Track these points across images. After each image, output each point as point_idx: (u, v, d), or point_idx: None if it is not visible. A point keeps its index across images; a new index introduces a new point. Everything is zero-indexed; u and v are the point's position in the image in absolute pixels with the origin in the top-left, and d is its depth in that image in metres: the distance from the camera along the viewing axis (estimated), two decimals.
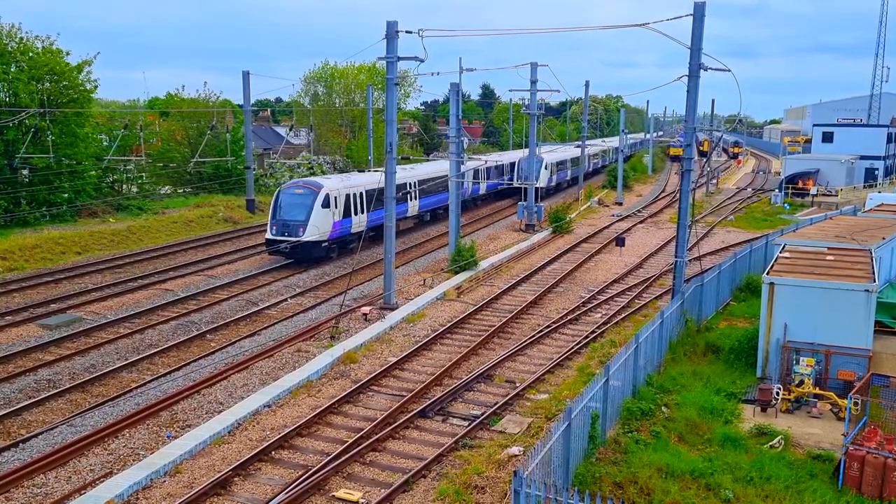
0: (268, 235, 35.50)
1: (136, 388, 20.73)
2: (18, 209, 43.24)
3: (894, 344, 21.00)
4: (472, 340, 24.69)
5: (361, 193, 38.41)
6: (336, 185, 36.71)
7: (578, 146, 70.77)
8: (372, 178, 40.06)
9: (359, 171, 48.01)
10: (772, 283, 20.05)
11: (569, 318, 27.42)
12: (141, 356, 23.06)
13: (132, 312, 27.63)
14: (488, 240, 44.09)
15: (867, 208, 38.35)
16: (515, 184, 54.86)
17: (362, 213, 38.33)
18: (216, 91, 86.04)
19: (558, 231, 46.39)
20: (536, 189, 49.72)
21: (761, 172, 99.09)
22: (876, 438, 14.67)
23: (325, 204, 35.27)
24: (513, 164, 59.21)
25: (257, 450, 16.46)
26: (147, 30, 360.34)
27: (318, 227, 34.90)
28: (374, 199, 38.84)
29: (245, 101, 50.27)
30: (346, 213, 36.98)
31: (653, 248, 41.37)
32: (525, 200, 47.44)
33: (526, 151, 64.07)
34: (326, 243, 35.80)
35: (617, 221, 52.35)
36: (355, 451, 16.51)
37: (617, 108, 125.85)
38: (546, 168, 60.52)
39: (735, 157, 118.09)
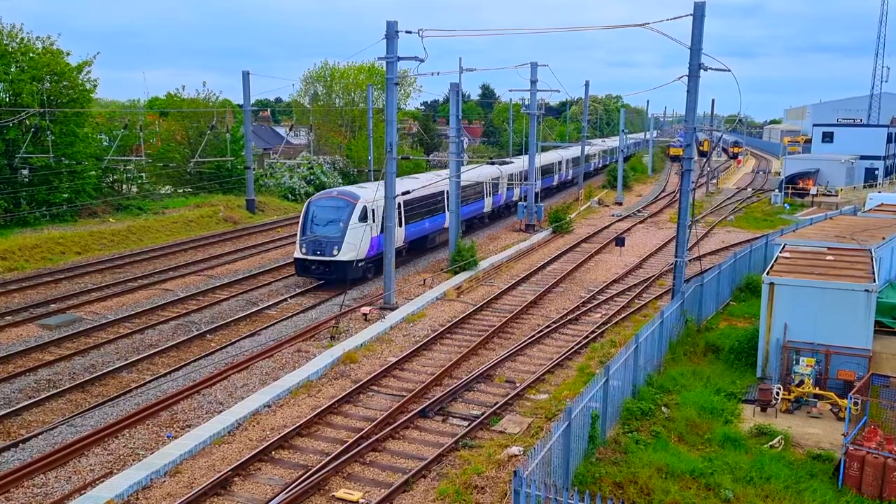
0: (296, 254, 31.39)
1: (136, 388, 20.73)
2: (18, 209, 43.23)
3: (894, 344, 21.01)
4: (472, 340, 24.68)
5: (400, 204, 33.94)
6: (373, 195, 32.10)
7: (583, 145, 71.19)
8: (406, 186, 36.15)
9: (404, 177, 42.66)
10: (772, 283, 20.05)
11: (569, 318, 27.42)
12: (141, 356, 23.06)
13: (132, 312, 27.63)
14: (488, 240, 44.10)
15: (867, 208, 38.37)
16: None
17: (400, 226, 34.12)
18: (216, 91, 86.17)
19: (558, 231, 46.39)
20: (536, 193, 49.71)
21: (761, 172, 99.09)
22: (876, 438, 14.67)
23: (363, 217, 31.25)
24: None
25: (257, 450, 16.46)
26: (147, 30, 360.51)
27: (355, 244, 30.86)
28: (415, 209, 36.19)
29: (245, 100, 50.31)
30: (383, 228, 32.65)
31: (653, 248, 41.37)
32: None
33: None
34: (363, 262, 31.73)
35: (617, 221, 52.35)
36: (355, 451, 16.51)
37: (617, 108, 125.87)
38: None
39: (735, 157, 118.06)
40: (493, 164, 52.23)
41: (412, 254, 37.77)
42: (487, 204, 47.50)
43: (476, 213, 45.96)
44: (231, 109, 73.96)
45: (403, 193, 33.36)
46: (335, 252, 30.56)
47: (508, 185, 51.42)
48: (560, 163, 68.02)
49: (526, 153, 50.90)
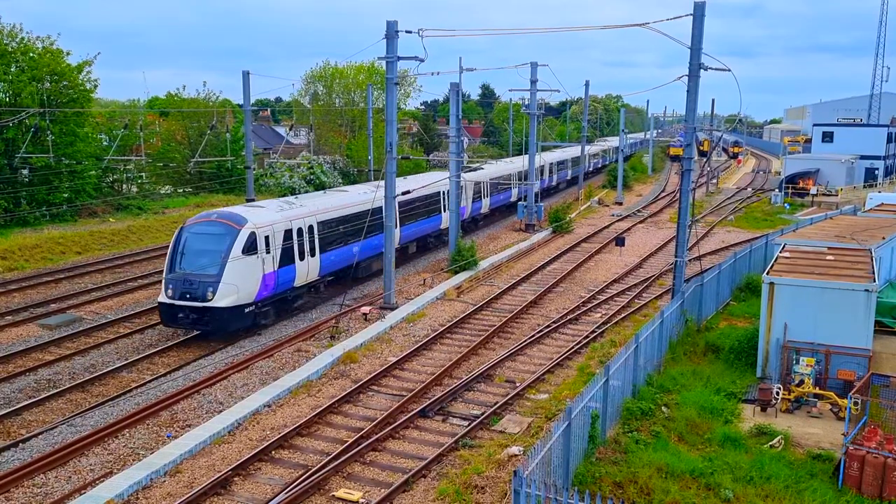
0: (161, 298, 24.24)
1: (136, 388, 20.74)
2: (18, 209, 43.24)
3: (894, 344, 21.01)
4: (472, 340, 24.68)
5: (316, 225, 27.73)
6: (271, 216, 25.64)
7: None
8: (349, 199, 30.91)
9: (336, 189, 36.88)
10: (772, 283, 20.05)
11: (569, 317, 27.41)
12: (141, 356, 23.06)
13: (132, 312, 27.63)
14: (488, 239, 44.10)
15: (867, 208, 38.38)
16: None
17: (316, 254, 27.68)
18: (216, 91, 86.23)
19: (558, 231, 46.39)
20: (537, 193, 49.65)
21: (761, 172, 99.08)
22: (876, 438, 14.67)
23: (251, 247, 24.15)
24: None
25: (257, 450, 16.46)
26: (147, 30, 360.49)
27: (238, 284, 23.76)
28: (348, 227, 29.70)
29: (245, 100, 50.27)
30: (287, 259, 26.00)
31: (653, 248, 41.37)
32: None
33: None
34: (253, 307, 24.70)
35: (617, 221, 52.34)
36: (355, 450, 16.51)
37: (617, 108, 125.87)
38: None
39: (735, 156, 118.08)
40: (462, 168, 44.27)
41: (333, 289, 30.30)
42: (445, 220, 40.22)
43: (428, 231, 39.06)
44: (231, 109, 74.03)
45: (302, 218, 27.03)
46: (210, 295, 23.41)
47: (475, 196, 45.05)
48: (542, 168, 60.07)
49: (526, 153, 50.79)
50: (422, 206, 37.56)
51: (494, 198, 50.03)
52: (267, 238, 24.94)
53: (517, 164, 55.14)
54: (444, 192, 39.26)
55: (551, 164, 64.79)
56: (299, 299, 28.04)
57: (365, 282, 32.86)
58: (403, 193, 31.39)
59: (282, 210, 26.76)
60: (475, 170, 47.74)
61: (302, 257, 26.87)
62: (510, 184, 52.55)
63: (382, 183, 29.67)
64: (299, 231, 26.77)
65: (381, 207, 29.63)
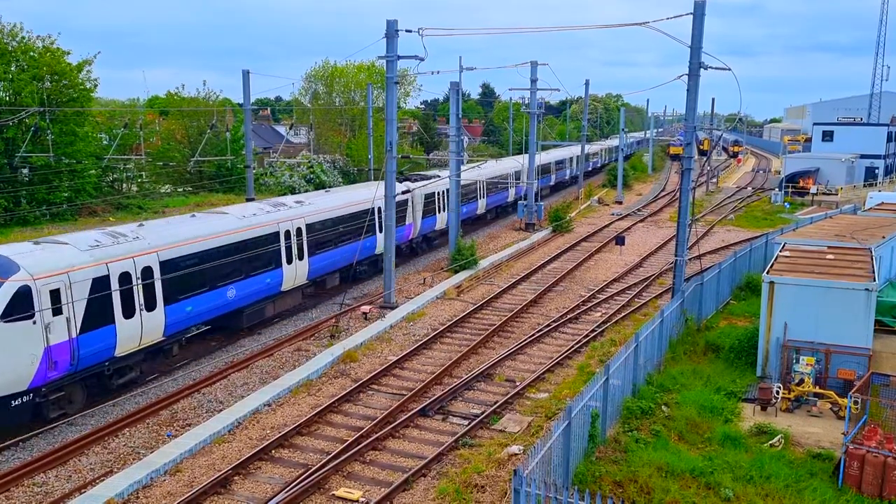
0: None
1: (137, 387, 20.73)
2: (18, 208, 43.24)
3: (894, 343, 21.01)
4: (472, 339, 24.69)
5: (158, 265, 20.48)
6: (72, 258, 18.35)
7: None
8: (219, 224, 23.42)
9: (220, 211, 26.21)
10: (772, 282, 20.05)
11: (569, 316, 27.41)
12: None
13: None
14: (488, 239, 44.10)
15: (867, 207, 38.35)
16: None
17: (157, 306, 20.53)
18: (216, 90, 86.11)
19: (558, 230, 46.39)
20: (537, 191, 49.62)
21: (761, 171, 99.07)
22: (876, 437, 14.67)
23: (20, 308, 16.75)
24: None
25: (257, 449, 16.46)
26: (147, 30, 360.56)
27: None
28: (220, 264, 22.72)
29: (245, 99, 50.27)
30: (102, 319, 18.72)
31: (653, 247, 41.36)
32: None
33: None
34: (28, 397, 17.34)
35: (617, 220, 52.34)
36: (355, 449, 16.51)
37: (617, 107, 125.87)
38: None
39: (735, 155, 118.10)
40: (403, 177, 39.64)
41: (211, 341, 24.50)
42: (380, 242, 32.44)
43: (351, 259, 30.55)
44: (231, 108, 74.01)
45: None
46: None
47: (425, 211, 37.64)
48: (514, 174, 51.80)
49: (526, 152, 50.76)
50: (344, 228, 29.87)
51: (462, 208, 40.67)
52: (56, 292, 17.53)
53: (513, 162, 52.09)
54: (377, 208, 31.77)
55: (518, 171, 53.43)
56: (130, 371, 20.41)
57: (364, 282, 32.84)
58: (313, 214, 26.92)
59: (97, 247, 19.09)
60: (424, 180, 39.18)
61: (131, 313, 19.53)
62: (498, 189, 46.75)
63: (281, 199, 27.62)
64: (123, 276, 19.33)
65: (270, 234, 24.73)
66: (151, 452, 16.46)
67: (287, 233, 26.19)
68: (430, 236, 40.22)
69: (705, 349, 22.77)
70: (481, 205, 46.97)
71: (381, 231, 31.89)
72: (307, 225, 27.31)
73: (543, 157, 62.18)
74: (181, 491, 15.01)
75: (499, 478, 15.17)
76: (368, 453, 16.72)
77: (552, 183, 66.39)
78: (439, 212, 39.63)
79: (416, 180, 37.96)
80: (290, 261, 26.39)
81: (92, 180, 49.51)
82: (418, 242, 38.69)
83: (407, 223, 35.75)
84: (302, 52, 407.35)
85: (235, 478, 15.57)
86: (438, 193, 39.12)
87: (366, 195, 31.50)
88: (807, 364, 18.65)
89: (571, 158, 71.83)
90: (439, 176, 40.26)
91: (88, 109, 50.55)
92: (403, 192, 34.67)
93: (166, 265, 20.82)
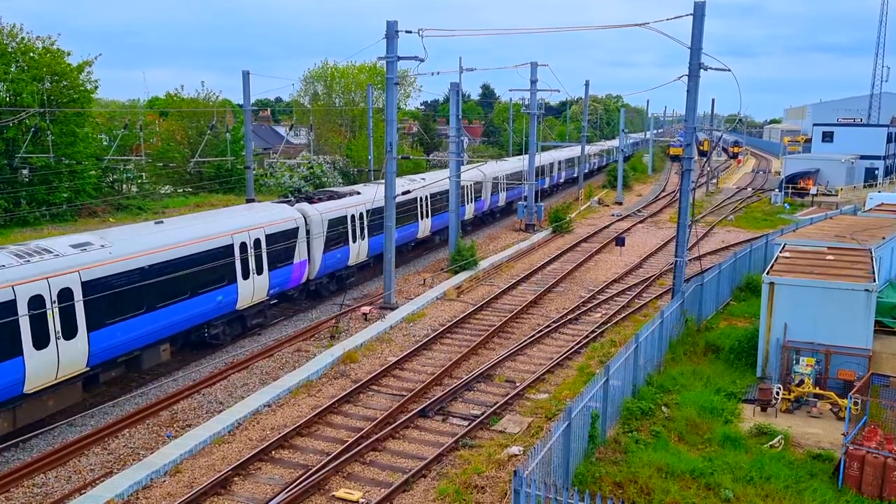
0: None
1: (136, 388, 20.74)
2: (18, 209, 43.25)
3: (894, 344, 20.99)
4: (472, 340, 24.68)
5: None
6: None
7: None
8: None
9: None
10: (772, 283, 20.05)
11: (569, 317, 27.41)
12: None
13: None
14: (488, 239, 44.09)
15: (867, 208, 38.37)
16: None
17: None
18: (216, 91, 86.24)
19: (558, 231, 46.39)
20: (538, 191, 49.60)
21: (761, 172, 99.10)
22: (876, 438, 14.67)
23: None
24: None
25: (257, 449, 16.46)
26: (147, 30, 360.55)
27: None
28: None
29: (245, 100, 50.32)
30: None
31: (653, 248, 41.36)
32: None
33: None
34: None
35: (617, 221, 52.34)
36: (355, 450, 16.51)
37: (617, 108, 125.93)
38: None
39: (735, 156, 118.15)
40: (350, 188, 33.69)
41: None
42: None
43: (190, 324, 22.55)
44: (231, 109, 74.08)
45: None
46: None
47: (330, 241, 28.59)
48: (483, 185, 45.96)
49: (526, 153, 50.76)
50: (183, 279, 21.49)
51: (406, 230, 35.28)
52: None
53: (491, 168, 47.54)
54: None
55: (493, 180, 48.29)
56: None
57: (364, 283, 32.83)
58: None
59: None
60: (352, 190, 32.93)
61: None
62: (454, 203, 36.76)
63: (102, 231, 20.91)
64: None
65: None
66: (151, 453, 16.45)
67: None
68: (342, 274, 30.64)
69: (705, 350, 22.77)
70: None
71: (246, 279, 23.70)
72: (85, 283, 18.08)
73: (544, 158, 62.33)
74: (181, 492, 15.00)
75: (499, 479, 15.17)
76: (368, 454, 16.71)
77: (561, 181, 67.69)
78: (354, 240, 30.37)
79: (319, 199, 29.52)
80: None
81: (92, 181, 49.54)
82: (322, 284, 29.26)
83: (297, 260, 26.71)
84: (302, 53, 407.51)
85: (235, 479, 15.57)
86: (353, 216, 30.30)
87: (226, 225, 23.61)
88: (807, 365, 18.65)
89: (571, 159, 72.01)
90: (359, 192, 32.10)
91: (88, 110, 50.58)
92: (288, 220, 26.16)
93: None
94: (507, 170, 51.52)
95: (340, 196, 30.92)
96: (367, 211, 30.96)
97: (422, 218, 37.60)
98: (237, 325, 24.66)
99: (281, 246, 25.67)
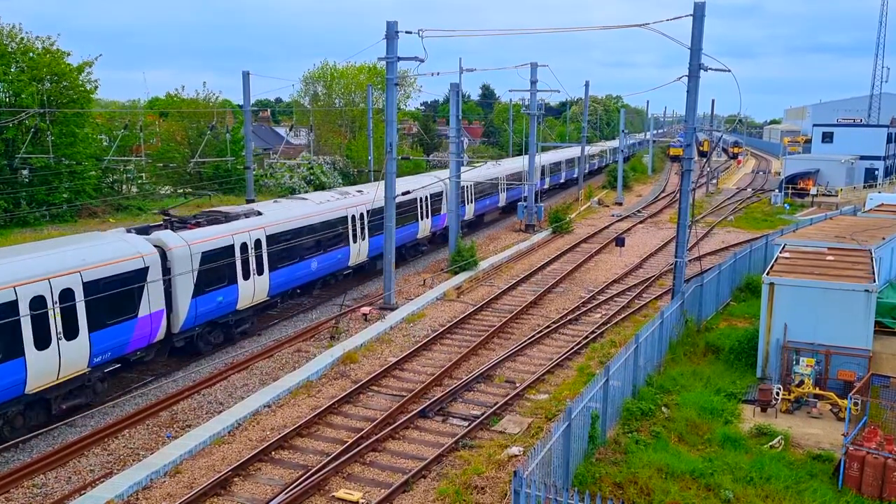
0: None
1: (136, 388, 20.73)
2: (18, 209, 43.25)
3: (894, 344, 20.99)
4: (472, 340, 24.68)
5: None
6: None
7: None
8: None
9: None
10: (772, 284, 20.05)
11: (569, 318, 27.41)
12: None
13: None
14: (488, 240, 44.09)
15: (867, 208, 38.37)
16: None
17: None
18: (216, 91, 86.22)
19: (558, 231, 46.39)
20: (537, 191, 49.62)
21: (761, 173, 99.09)
22: (876, 439, 14.67)
23: None
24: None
25: (257, 450, 16.45)
26: (147, 30, 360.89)
27: None
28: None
29: (245, 101, 50.31)
30: None
31: (653, 249, 41.36)
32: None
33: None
34: None
35: (617, 221, 52.34)
36: (355, 451, 16.50)
37: (617, 109, 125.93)
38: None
39: (735, 157, 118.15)
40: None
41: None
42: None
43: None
44: (231, 110, 74.07)
45: None
46: None
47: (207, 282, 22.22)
48: (457, 191, 36.74)
49: (526, 153, 50.76)
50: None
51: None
52: None
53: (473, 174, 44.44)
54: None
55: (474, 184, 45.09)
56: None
57: (365, 282, 32.82)
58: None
59: None
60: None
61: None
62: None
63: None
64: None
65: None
66: (151, 454, 16.45)
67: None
68: (223, 321, 23.78)
69: (705, 350, 22.77)
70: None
71: (42, 348, 17.01)
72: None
73: (544, 158, 62.36)
74: (181, 492, 15.00)
75: (499, 479, 15.17)
76: (368, 455, 16.71)
77: (561, 181, 67.99)
78: (246, 277, 24.01)
79: (198, 224, 23.17)
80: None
81: (92, 181, 49.57)
82: (198, 335, 22.97)
83: (144, 313, 20.01)
84: (302, 53, 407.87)
85: (235, 479, 15.57)
86: (243, 245, 23.83)
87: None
88: (807, 365, 18.65)
89: (571, 160, 72.01)
90: (258, 212, 25.81)
91: (88, 111, 50.60)
92: (126, 259, 19.40)
93: None
94: (508, 170, 51.67)
95: (231, 218, 24.27)
96: (264, 238, 24.89)
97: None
98: (38, 412, 17.81)
99: (113, 294, 18.90)
